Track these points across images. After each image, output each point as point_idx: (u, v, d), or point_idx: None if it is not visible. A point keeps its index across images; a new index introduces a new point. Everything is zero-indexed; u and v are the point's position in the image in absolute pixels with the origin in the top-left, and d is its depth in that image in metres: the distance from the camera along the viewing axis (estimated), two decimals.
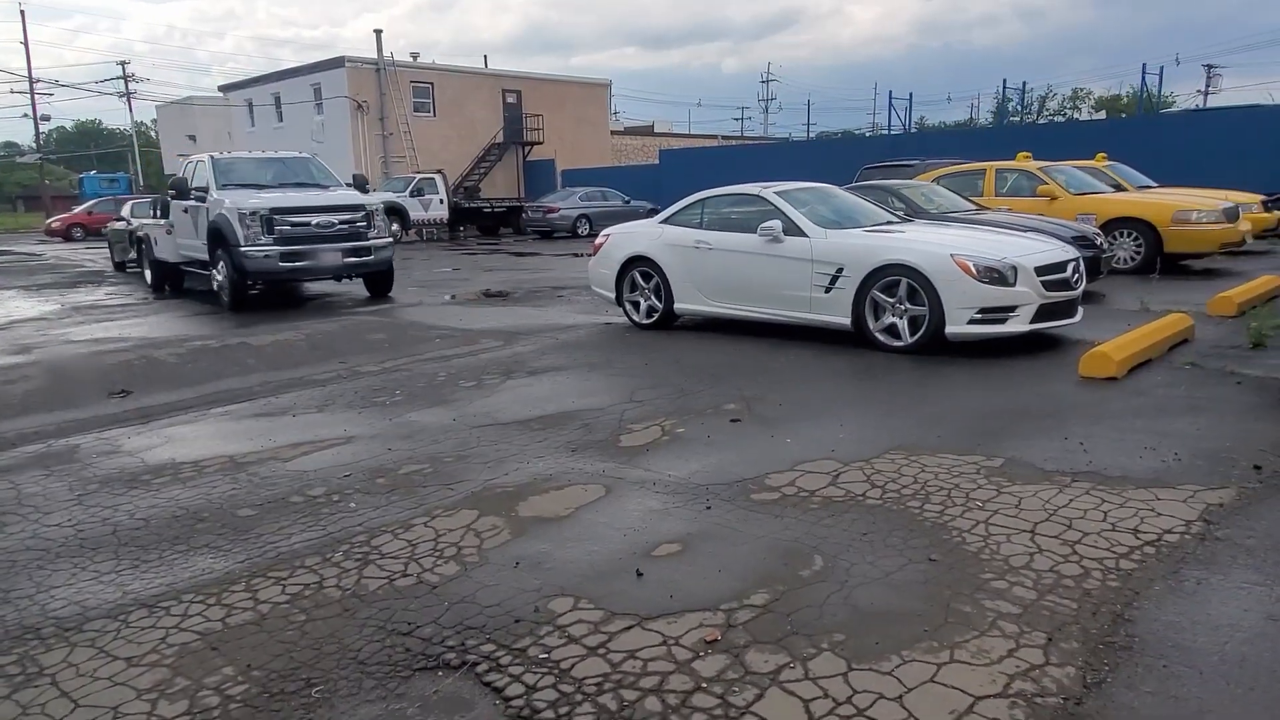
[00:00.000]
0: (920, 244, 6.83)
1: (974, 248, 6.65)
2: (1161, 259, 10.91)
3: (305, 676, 2.54)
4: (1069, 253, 7.02)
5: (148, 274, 14.37)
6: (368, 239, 11.23)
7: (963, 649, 2.51)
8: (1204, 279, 10.71)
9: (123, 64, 51.29)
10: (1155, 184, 13.89)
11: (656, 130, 48.14)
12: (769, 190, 7.82)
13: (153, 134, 60.31)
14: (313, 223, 10.81)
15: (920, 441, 4.47)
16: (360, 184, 12.32)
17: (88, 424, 5.68)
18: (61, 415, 5.95)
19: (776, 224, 7.34)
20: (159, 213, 13.57)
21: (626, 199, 26.96)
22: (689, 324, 8.49)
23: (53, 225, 35.68)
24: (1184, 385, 5.47)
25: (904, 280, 6.59)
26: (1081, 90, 62.93)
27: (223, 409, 5.96)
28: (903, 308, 6.64)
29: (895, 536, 3.31)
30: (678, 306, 8.18)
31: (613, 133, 42.66)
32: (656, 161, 32.51)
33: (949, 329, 6.45)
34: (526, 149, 35.83)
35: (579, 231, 25.54)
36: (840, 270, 6.96)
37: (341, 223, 11.01)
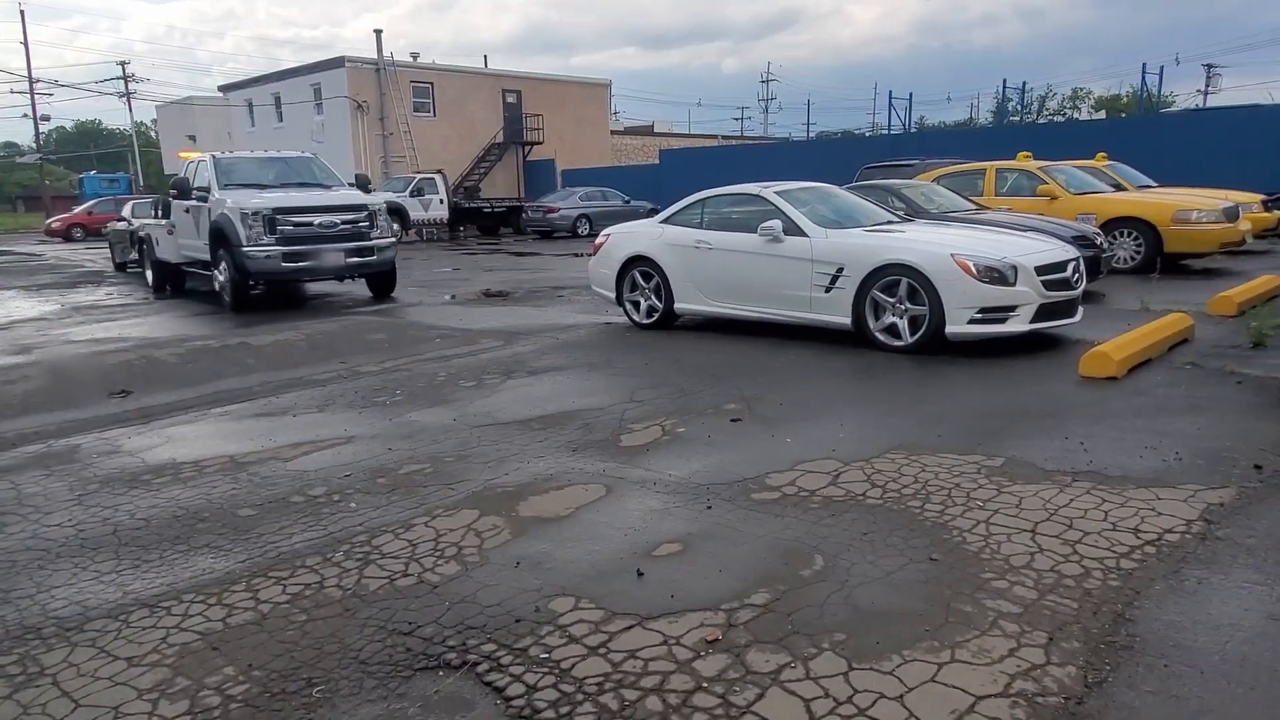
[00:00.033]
0: (920, 244, 6.83)
1: (974, 247, 6.65)
2: (1161, 259, 10.92)
3: (306, 676, 2.54)
4: (1069, 252, 7.02)
5: (149, 274, 14.30)
6: (370, 239, 11.17)
7: (964, 648, 2.51)
8: (1204, 278, 10.71)
9: (123, 64, 51.37)
10: (1155, 184, 13.89)
11: (656, 130, 48.13)
12: (769, 190, 7.82)
13: (153, 134, 60.30)
14: (315, 223, 10.75)
15: (921, 441, 4.47)
16: (363, 184, 12.27)
17: (88, 424, 5.68)
18: (62, 415, 5.95)
19: (777, 224, 7.34)
20: (160, 213, 13.49)
21: (626, 199, 26.95)
22: (689, 324, 8.49)
23: (53, 225, 35.69)
24: (1184, 385, 5.47)
25: (904, 280, 6.59)
26: (1081, 90, 62.99)
27: (223, 409, 5.96)
28: (903, 307, 6.64)
29: (896, 536, 3.31)
30: (678, 306, 8.18)
31: (613, 133, 42.66)
32: (656, 161, 32.50)
33: (949, 329, 6.45)
34: (526, 149, 35.83)
35: (579, 231, 25.54)
36: (840, 270, 6.96)
37: (344, 223, 10.95)
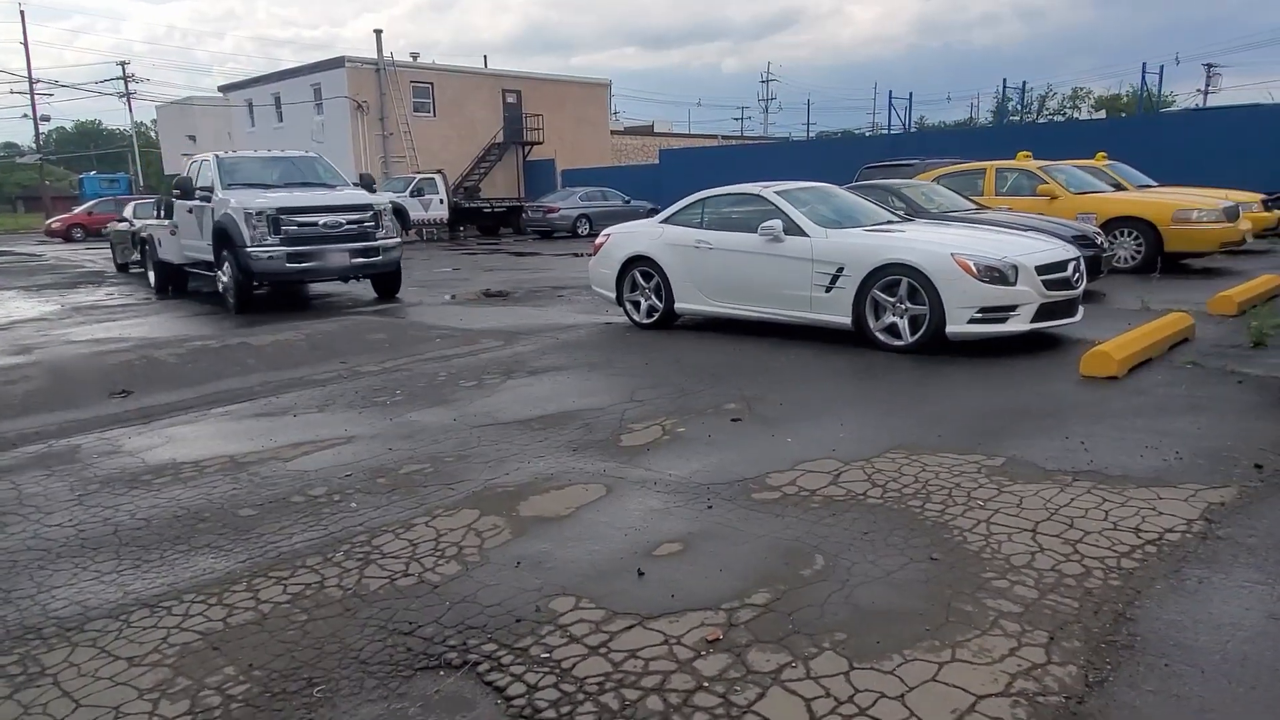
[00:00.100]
0: (921, 243, 6.83)
1: (974, 247, 6.65)
2: (1162, 258, 10.92)
3: (307, 676, 2.54)
4: (1069, 252, 7.02)
5: (151, 276, 14.19)
6: (376, 239, 11.06)
7: (964, 648, 2.51)
8: (1204, 278, 10.71)
9: (122, 64, 51.39)
10: (1155, 183, 13.89)
11: (656, 130, 48.13)
12: (769, 190, 7.81)
13: (153, 134, 60.31)
14: (320, 223, 10.64)
15: (921, 441, 4.47)
16: (367, 183, 12.20)
17: (88, 424, 5.68)
18: (62, 415, 5.95)
19: (777, 223, 7.34)
20: (163, 213, 13.36)
21: (626, 199, 26.95)
22: (689, 324, 8.48)
23: (53, 226, 35.69)
24: (1185, 384, 5.47)
25: (904, 280, 6.59)
26: (1081, 90, 62.93)
27: (223, 409, 5.96)
28: (903, 307, 6.64)
29: (896, 535, 3.31)
30: (678, 306, 8.18)
31: (613, 133, 42.66)
32: (656, 161, 32.50)
33: (949, 328, 6.44)
34: (526, 149, 35.83)
35: (579, 231, 25.54)
36: (841, 270, 6.96)
37: (349, 223, 10.84)
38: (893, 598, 2.83)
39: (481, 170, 34.33)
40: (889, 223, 7.73)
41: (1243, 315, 7.62)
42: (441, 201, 27.10)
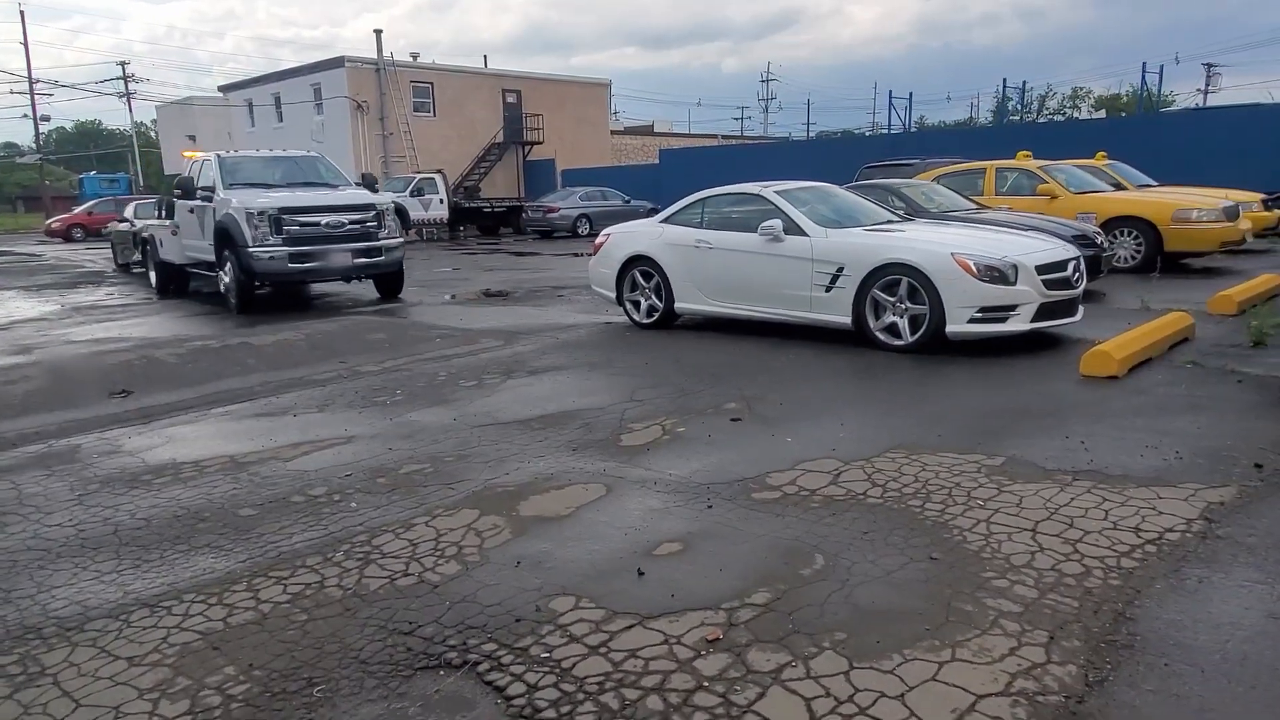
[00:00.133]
0: (921, 243, 6.83)
1: (975, 246, 6.65)
2: (1162, 258, 10.91)
3: (307, 676, 2.54)
4: (1069, 251, 7.02)
5: (152, 276, 14.13)
6: (379, 239, 10.99)
7: (964, 647, 2.51)
8: (1204, 278, 10.71)
9: (122, 64, 51.37)
10: (1155, 183, 13.89)
11: (656, 130, 48.12)
12: (769, 189, 7.81)
13: (153, 134, 60.30)
14: (322, 223, 10.57)
15: (921, 440, 4.47)
16: (370, 183, 12.15)
17: (88, 424, 5.68)
18: (62, 415, 5.95)
19: (777, 223, 7.34)
20: (164, 213, 13.28)
21: (626, 199, 26.95)
22: (689, 323, 8.48)
23: (53, 226, 35.70)
24: (1185, 384, 5.47)
25: (904, 279, 6.59)
26: (1081, 89, 62.87)
27: (223, 409, 5.96)
28: (903, 307, 6.64)
29: (896, 535, 3.31)
30: (678, 306, 8.18)
31: (613, 132, 42.65)
32: (656, 161, 32.50)
33: (949, 328, 6.44)
34: (526, 149, 35.83)
35: (579, 231, 25.54)
36: (841, 269, 6.96)
37: (352, 223, 10.77)
38: (892, 597, 2.83)
39: (481, 170, 34.33)
40: (889, 222, 7.73)
41: (1243, 315, 7.62)
42: (441, 201, 27.10)
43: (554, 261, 17.83)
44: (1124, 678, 2.35)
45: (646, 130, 47.54)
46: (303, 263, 10.50)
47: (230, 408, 5.98)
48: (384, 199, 11.61)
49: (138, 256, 16.08)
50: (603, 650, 2.58)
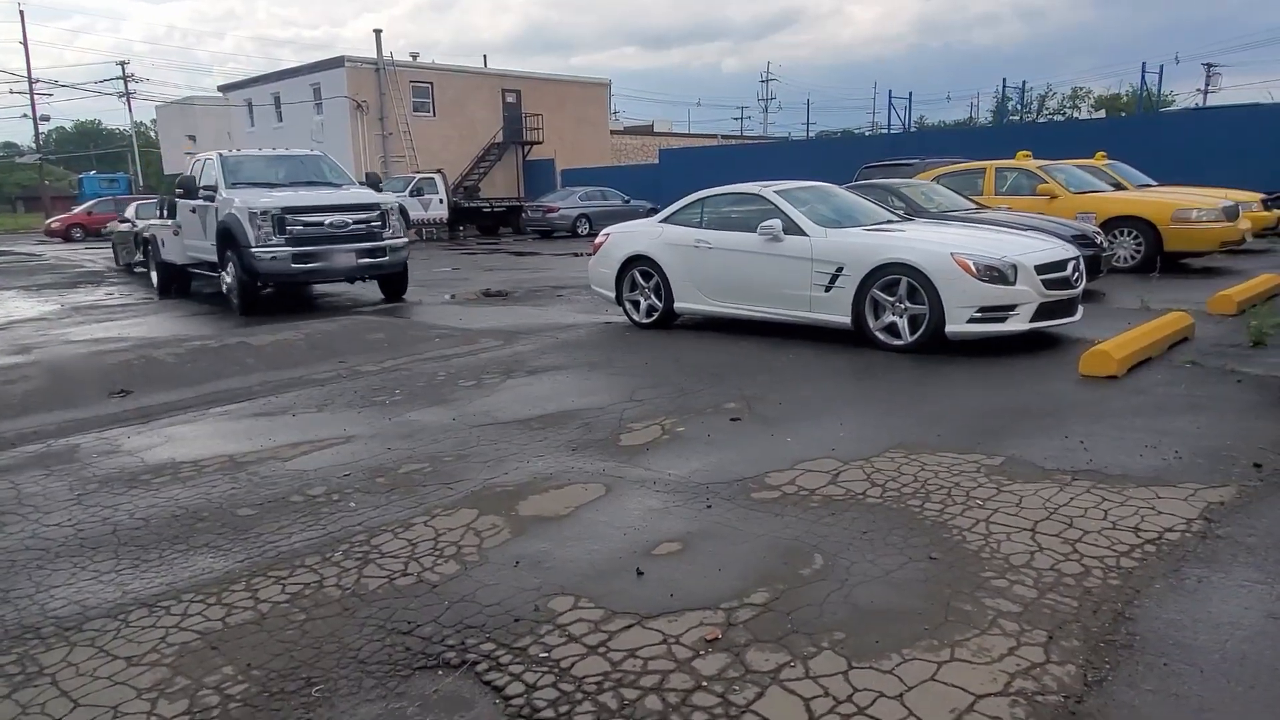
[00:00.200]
0: (920, 243, 6.83)
1: (974, 246, 6.65)
2: (1161, 257, 10.91)
3: (305, 676, 2.54)
4: (1069, 251, 7.02)
5: (154, 276, 14.04)
6: (383, 239, 10.87)
7: (963, 647, 2.51)
8: (1204, 277, 10.71)
9: (122, 64, 51.35)
10: (1155, 183, 13.90)
11: (656, 130, 48.13)
12: (769, 189, 7.81)
13: (152, 134, 60.31)
14: (326, 222, 10.46)
15: (920, 440, 4.47)
16: (374, 182, 12.06)
17: (88, 424, 5.68)
18: (61, 415, 5.95)
19: (776, 223, 7.34)
20: (166, 213, 13.18)
21: (626, 198, 26.96)
22: (689, 323, 8.48)
23: (52, 226, 35.70)
24: (1184, 383, 5.47)
25: (904, 279, 6.59)
26: (1081, 89, 62.90)
27: (222, 409, 5.96)
28: (903, 306, 6.64)
29: (895, 535, 3.31)
30: (678, 306, 8.18)
31: (612, 132, 42.66)
32: (656, 161, 32.51)
33: (949, 328, 6.44)
34: (526, 149, 35.83)
35: (579, 231, 25.54)
36: (840, 269, 6.96)
37: (356, 222, 10.66)
38: (892, 597, 2.83)
39: (481, 170, 34.33)
40: (888, 222, 7.73)
41: (1242, 314, 7.62)
42: (441, 201, 27.10)
43: (553, 261, 17.83)
44: (1123, 677, 2.35)
45: (646, 130, 47.55)
46: (306, 263, 10.38)
47: (229, 407, 5.98)
48: (388, 198, 11.50)
49: (139, 257, 16.01)
50: (601, 650, 2.58)
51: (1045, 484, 3.77)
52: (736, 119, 75.26)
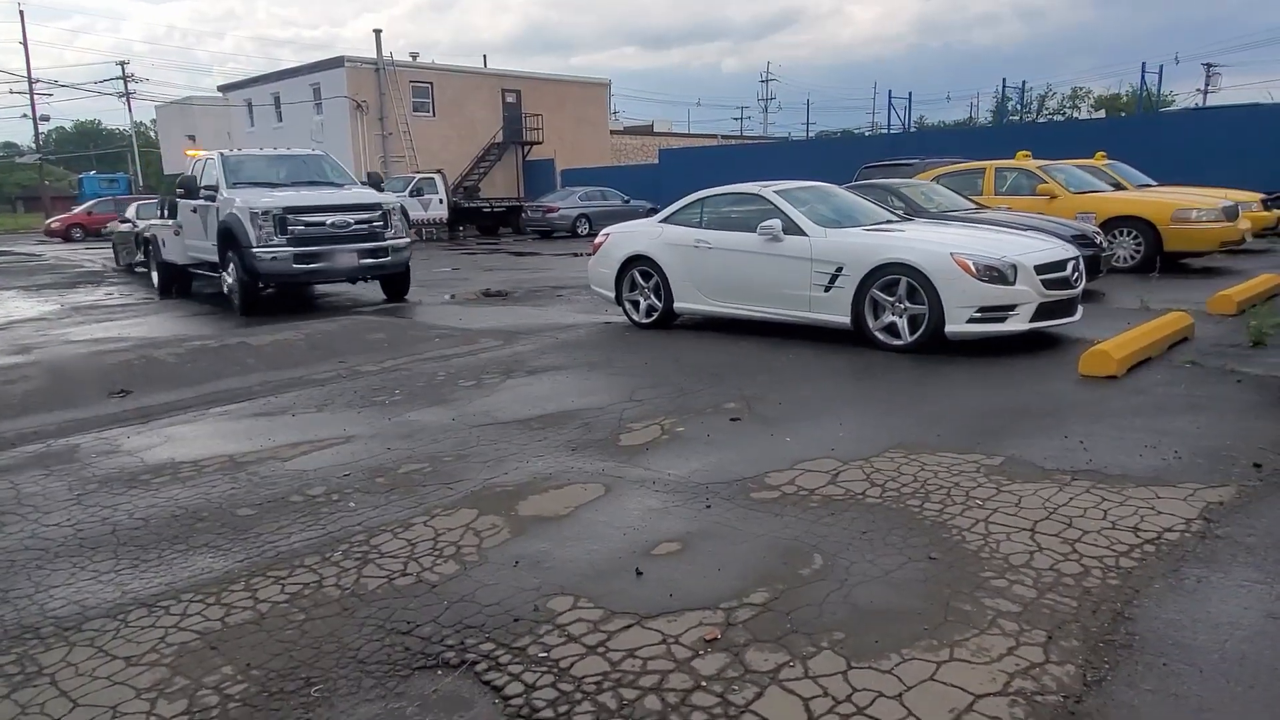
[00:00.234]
0: (920, 243, 6.83)
1: (974, 246, 6.65)
2: (1161, 257, 10.91)
3: (304, 675, 2.54)
4: (1069, 251, 7.02)
5: (154, 277, 13.99)
6: (385, 239, 10.80)
7: (962, 647, 2.51)
8: (1204, 277, 10.71)
9: (122, 64, 51.35)
10: (1155, 183, 13.89)
11: (656, 130, 48.14)
12: (768, 189, 7.81)
13: (152, 134, 60.30)
14: (328, 222, 10.38)
15: (920, 440, 4.47)
16: (375, 182, 11.99)
17: (87, 424, 5.68)
18: (61, 415, 5.95)
19: (776, 223, 7.34)
20: (166, 213, 13.11)
21: (626, 198, 26.96)
22: (688, 323, 8.48)
23: (52, 226, 35.70)
24: (1184, 383, 5.47)
25: (903, 279, 6.59)
26: (1081, 89, 62.89)
27: (222, 409, 5.96)
28: (902, 306, 6.64)
29: (895, 535, 3.31)
30: (677, 306, 8.17)
31: (612, 132, 42.66)
32: (656, 161, 32.51)
33: (949, 328, 6.44)
34: (526, 149, 35.83)
35: (579, 231, 25.54)
36: (840, 269, 6.96)
37: (358, 222, 10.59)
38: (891, 597, 2.83)
39: (481, 170, 34.34)
40: (888, 222, 7.73)
41: (1242, 314, 7.62)
42: (441, 201, 27.10)
43: (553, 261, 17.83)
44: (1122, 677, 2.35)
45: (646, 130, 47.56)
46: (308, 263, 10.32)
47: (229, 407, 5.98)
48: (390, 198, 11.43)
49: (140, 257, 15.96)
50: (601, 650, 2.58)
51: (1045, 484, 3.77)
52: (736, 119, 75.32)
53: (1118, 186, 12.68)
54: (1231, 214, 11.12)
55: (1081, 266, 7.01)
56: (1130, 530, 3.27)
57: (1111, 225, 11.19)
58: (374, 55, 32.42)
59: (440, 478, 4.21)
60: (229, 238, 10.44)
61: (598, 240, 9.02)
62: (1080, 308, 6.98)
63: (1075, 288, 6.84)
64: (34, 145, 51.56)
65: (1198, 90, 48.60)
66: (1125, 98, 53.66)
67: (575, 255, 18.04)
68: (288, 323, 9.67)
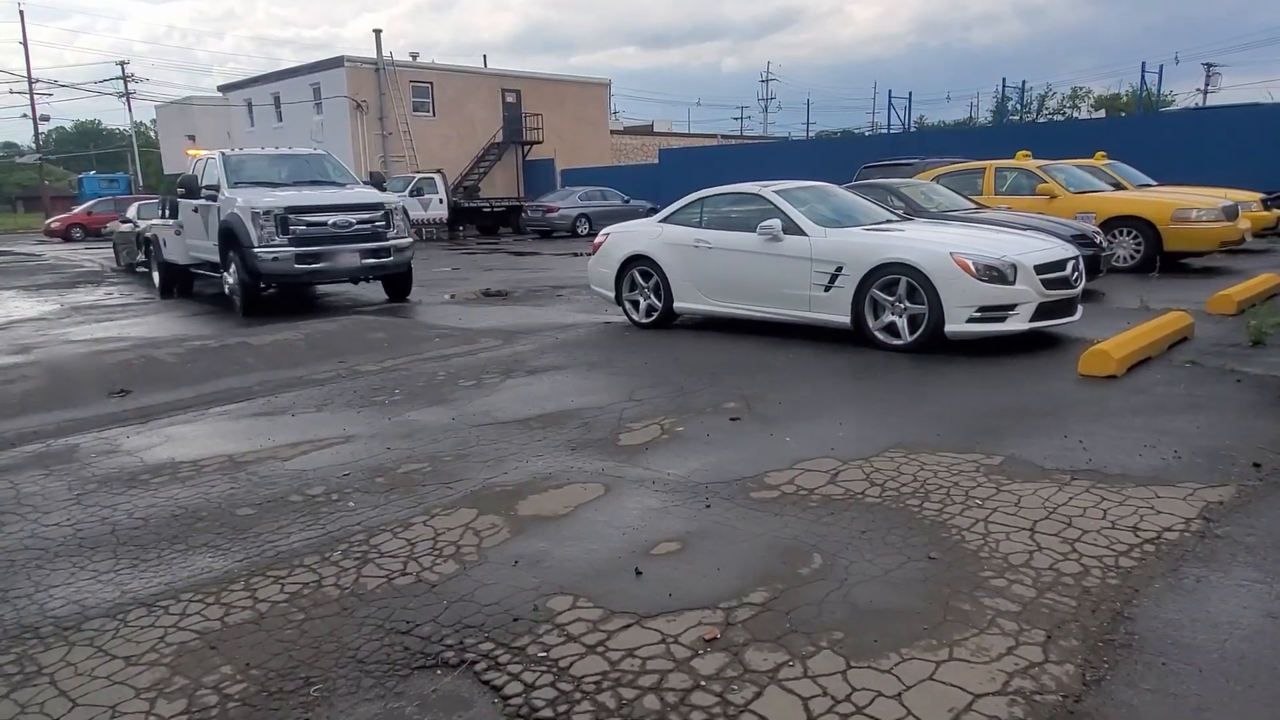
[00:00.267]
0: (920, 242, 6.83)
1: (973, 246, 6.65)
2: (1161, 257, 10.91)
3: (304, 675, 2.54)
4: (1068, 251, 7.02)
5: (156, 277, 13.93)
6: (387, 239, 10.74)
7: (962, 647, 2.51)
8: (1203, 277, 10.71)
9: (122, 64, 51.34)
10: (1155, 182, 13.89)
11: (656, 129, 48.14)
12: (768, 189, 7.81)
13: (152, 134, 60.30)
14: (329, 222, 10.31)
15: (920, 440, 4.47)
16: (378, 182, 11.95)
17: (87, 423, 5.68)
18: (61, 415, 5.95)
19: (776, 223, 7.34)
20: (168, 213, 13.02)
21: (626, 198, 26.96)
22: (688, 323, 8.48)
23: (52, 225, 35.70)
24: (1184, 383, 5.47)
25: (903, 279, 6.58)
26: (1081, 89, 62.90)
27: (222, 408, 5.96)
28: (902, 306, 6.64)
29: (894, 534, 3.31)
30: (677, 305, 8.17)
31: (612, 132, 42.66)
32: (656, 161, 32.51)
33: (948, 327, 6.44)
34: (526, 148, 35.82)
35: (578, 231, 25.54)
36: (840, 269, 6.96)
37: (360, 222, 10.52)
38: (890, 596, 2.83)
39: (481, 170, 34.33)
40: (888, 222, 7.73)
41: (1242, 314, 7.62)
42: (441, 201, 27.10)
43: (553, 261, 17.83)
44: (1121, 677, 2.35)
45: (646, 130, 47.56)
46: (310, 263, 10.25)
47: (229, 407, 5.98)
48: (392, 198, 11.36)
49: (142, 257, 15.89)
50: (600, 649, 2.58)
51: (1044, 483, 3.77)
52: (736, 119, 75.37)
53: (1117, 186, 12.68)
54: (1231, 214, 11.12)
55: (1081, 266, 7.01)
56: (1130, 530, 3.27)
57: (1111, 225, 11.19)
58: (374, 55, 32.41)
59: (440, 477, 4.21)
60: (230, 238, 10.37)
61: (597, 240, 9.02)
62: (1080, 307, 6.98)
63: (1075, 287, 6.84)
64: (34, 145, 51.57)
65: (1198, 90, 48.64)
66: (1125, 98, 53.68)
67: (575, 255, 18.04)
68: (287, 322, 9.67)
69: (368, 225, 10.62)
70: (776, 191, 7.74)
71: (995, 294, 6.38)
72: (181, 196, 11.93)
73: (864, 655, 2.48)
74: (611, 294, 8.70)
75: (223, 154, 11.54)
